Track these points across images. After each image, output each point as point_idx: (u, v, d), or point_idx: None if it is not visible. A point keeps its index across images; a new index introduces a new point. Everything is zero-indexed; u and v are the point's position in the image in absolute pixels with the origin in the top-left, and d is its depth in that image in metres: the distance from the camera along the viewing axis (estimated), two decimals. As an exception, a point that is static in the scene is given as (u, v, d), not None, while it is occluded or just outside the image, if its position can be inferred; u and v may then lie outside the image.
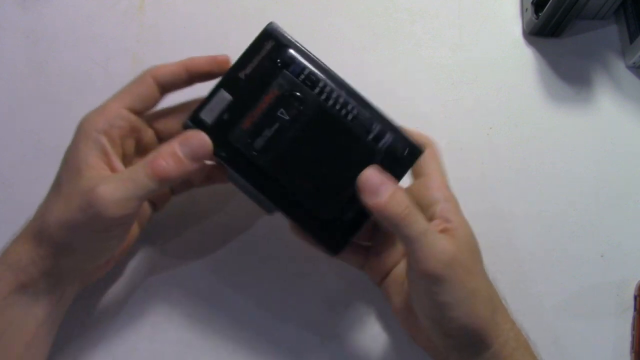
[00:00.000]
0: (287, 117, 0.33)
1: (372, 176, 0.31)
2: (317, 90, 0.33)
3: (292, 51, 0.33)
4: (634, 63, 0.47)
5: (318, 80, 0.33)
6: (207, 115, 0.33)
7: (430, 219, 0.33)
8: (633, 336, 0.40)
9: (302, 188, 0.34)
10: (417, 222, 0.30)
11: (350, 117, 0.33)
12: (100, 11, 0.50)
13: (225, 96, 0.33)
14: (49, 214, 0.31)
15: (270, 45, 0.33)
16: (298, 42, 0.34)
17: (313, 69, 0.33)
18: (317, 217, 0.34)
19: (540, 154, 0.45)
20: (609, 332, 0.41)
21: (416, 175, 0.35)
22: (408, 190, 0.35)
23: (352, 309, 0.41)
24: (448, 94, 0.47)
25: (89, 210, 0.30)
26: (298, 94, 0.33)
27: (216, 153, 0.33)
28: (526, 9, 0.48)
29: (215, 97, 0.33)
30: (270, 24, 0.34)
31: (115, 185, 0.30)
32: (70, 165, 0.32)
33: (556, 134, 0.46)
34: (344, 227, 0.34)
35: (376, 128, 0.34)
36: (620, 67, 0.47)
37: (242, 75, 0.33)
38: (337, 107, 0.33)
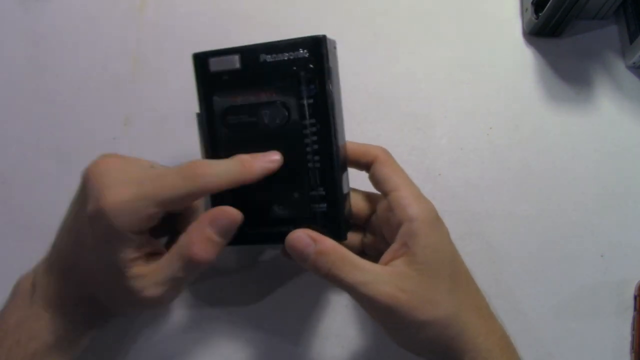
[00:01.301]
0: (265, 120, 0.33)
1: (295, 241, 0.32)
2: (306, 121, 0.33)
3: (319, 75, 0.32)
4: (634, 63, 0.47)
5: (315, 114, 0.33)
6: (213, 64, 0.33)
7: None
8: (633, 336, 0.40)
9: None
10: (349, 274, 0.31)
11: (310, 164, 0.33)
12: (100, 11, 0.50)
13: (236, 62, 0.33)
14: (96, 297, 0.33)
15: (307, 54, 0.32)
16: (332, 72, 0.33)
17: (320, 104, 0.33)
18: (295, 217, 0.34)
19: (540, 154, 0.45)
20: (609, 332, 0.41)
21: (383, 193, 0.35)
22: (380, 210, 0.36)
23: (352, 309, 0.41)
24: (448, 94, 0.47)
25: (138, 306, 0.33)
26: (290, 112, 0.33)
27: (200, 105, 0.34)
28: (526, 9, 0.48)
29: (229, 56, 0.33)
30: (324, 36, 0.32)
31: (158, 287, 0.31)
32: (106, 261, 0.31)
33: (556, 134, 0.46)
34: (334, 216, 0.34)
35: (320, 192, 0.33)
36: (620, 67, 0.47)
37: (262, 57, 0.33)
38: (309, 148, 0.33)
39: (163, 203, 0.30)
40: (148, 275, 0.31)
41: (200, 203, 0.36)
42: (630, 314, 0.41)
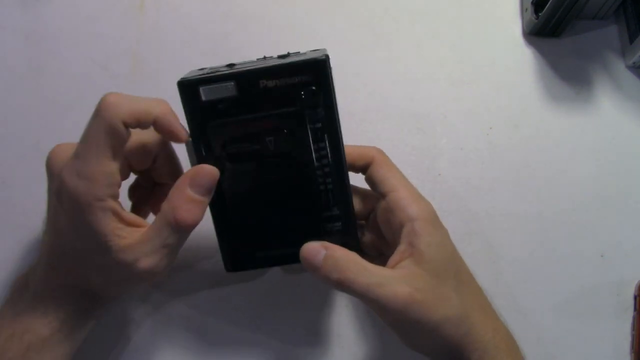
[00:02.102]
0: (270, 147, 0.32)
1: (307, 251, 0.32)
2: (315, 146, 0.32)
3: (324, 98, 0.31)
4: (634, 63, 0.47)
5: (322, 139, 0.32)
6: (205, 93, 0.31)
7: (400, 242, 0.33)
8: (633, 336, 0.40)
9: (242, 216, 0.34)
10: (361, 277, 0.31)
11: (322, 187, 0.33)
12: (100, 11, 0.50)
13: (232, 89, 0.31)
14: (88, 283, 0.33)
15: (310, 77, 0.31)
16: (334, 95, 0.31)
17: (330, 126, 0.32)
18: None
19: (540, 154, 0.45)
20: (609, 332, 0.41)
21: (381, 194, 0.35)
22: (380, 211, 0.36)
23: (352, 309, 0.41)
24: (448, 94, 0.47)
25: (134, 279, 0.33)
26: (296, 136, 0.32)
27: (192, 135, 0.32)
28: (526, 9, 0.48)
29: (224, 83, 0.31)
30: (326, 57, 0.31)
31: (150, 257, 0.31)
32: (88, 239, 0.31)
33: (556, 134, 0.46)
34: (349, 232, 0.34)
35: (334, 212, 0.33)
36: (620, 67, 0.47)
37: (262, 83, 0.31)
38: (319, 172, 0.33)
39: (104, 153, 0.30)
40: (137, 246, 0.31)
41: (168, 155, 0.35)
42: (630, 314, 0.41)
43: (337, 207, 0.33)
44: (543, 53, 0.48)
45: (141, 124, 0.30)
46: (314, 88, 0.31)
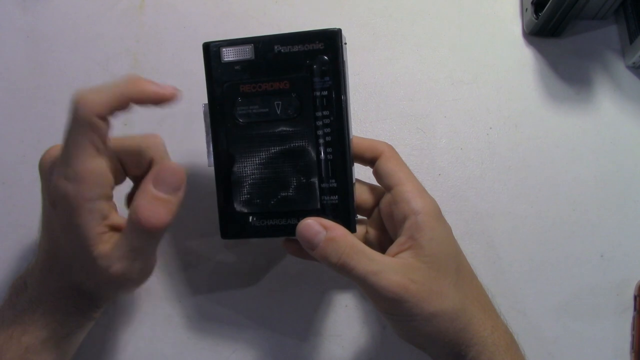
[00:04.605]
0: (277, 111, 0.33)
1: (305, 229, 0.32)
2: (320, 113, 0.33)
3: (333, 67, 0.33)
4: (634, 63, 0.47)
5: (328, 106, 0.33)
6: (226, 53, 0.34)
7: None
8: (633, 336, 0.40)
9: (247, 176, 0.34)
10: (360, 263, 0.31)
11: (322, 156, 0.33)
12: (100, 11, 0.50)
13: (249, 52, 0.33)
14: (82, 285, 0.32)
15: (322, 47, 0.32)
16: (346, 65, 0.33)
17: (334, 95, 0.33)
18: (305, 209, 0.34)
19: (540, 154, 0.45)
20: (609, 332, 0.41)
21: (387, 187, 0.35)
22: (383, 203, 0.36)
23: (352, 309, 0.41)
24: (448, 94, 0.47)
25: (113, 285, 0.32)
26: (303, 102, 0.33)
27: (209, 95, 0.34)
28: (526, 9, 0.48)
29: (243, 46, 0.33)
30: (339, 30, 0.33)
31: (120, 262, 0.30)
32: (76, 242, 0.30)
33: (556, 134, 0.46)
34: (345, 208, 0.34)
35: (331, 184, 0.34)
36: (620, 67, 0.47)
37: (276, 48, 0.33)
38: (321, 140, 0.33)
39: (86, 152, 0.29)
40: (110, 251, 0.30)
41: (161, 156, 0.34)
42: (630, 314, 0.41)
43: (335, 180, 0.34)
44: (543, 53, 0.48)
45: (118, 107, 0.29)
46: (325, 57, 0.32)
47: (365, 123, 0.46)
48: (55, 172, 0.30)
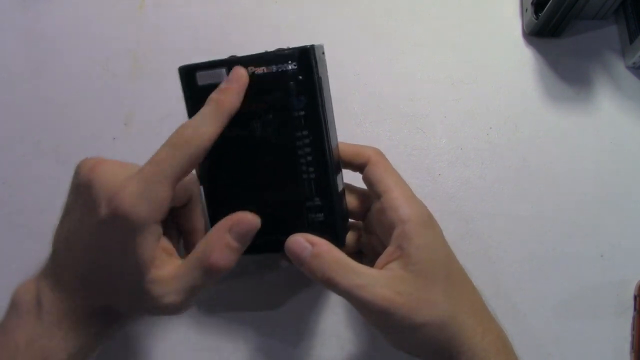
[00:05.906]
0: (257, 133, 0.33)
1: (292, 245, 0.32)
2: (299, 133, 0.33)
3: (308, 87, 0.32)
4: (634, 63, 0.47)
5: (307, 125, 0.32)
6: (201, 78, 0.33)
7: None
8: (633, 336, 0.40)
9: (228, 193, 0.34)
10: (344, 278, 0.31)
11: (305, 176, 0.33)
12: (100, 11, 0.50)
13: (224, 75, 0.33)
14: (115, 303, 0.32)
15: (295, 67, 0.32)
16: (323, 82, 0.32)
17: (312, 114, 0.32)
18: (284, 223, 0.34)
19: (540, 154, 0.45)
20: (609, 332, 0.41)
21: (375, 195, 0.35)
22: (375, 211, 0.35)
23: (352, 310, 0.41)
24: (448, 94, 0.47)
25: (154, 311, 0.32)
26: (281, 123, 0.33)
27: (187, 108, 0.34)
28: (526, 9, 0.48)
29: (216, 70, 0.33)
30: (312, 47, 0.32)
31: (177, 295, 0.30)
32: (128, 261, 0.30)
33: (556, 134, 0.46)
34: (332, 224, 0.34)
35: (316, 202, 0.33)
36: (620, 67, 0.47)
37: (250, 70, 0.33)
38: (302, 160, 0.33)
39: (171, 177, 0.30)
40: (167, 281, 0.30)
41: (198, 196, 0.35)
42: (630, 314, 0.41)
43: (319, 198, 0.33)
44: (543, 53, 0.48)
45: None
46: (300, 77, 0.32)
47: (365, 123, 0.46)
48: (128, 187, 0.29)
